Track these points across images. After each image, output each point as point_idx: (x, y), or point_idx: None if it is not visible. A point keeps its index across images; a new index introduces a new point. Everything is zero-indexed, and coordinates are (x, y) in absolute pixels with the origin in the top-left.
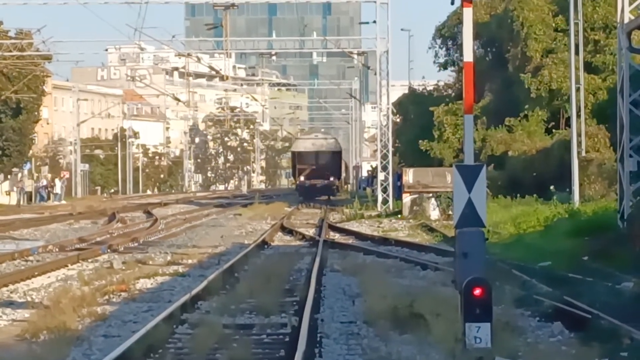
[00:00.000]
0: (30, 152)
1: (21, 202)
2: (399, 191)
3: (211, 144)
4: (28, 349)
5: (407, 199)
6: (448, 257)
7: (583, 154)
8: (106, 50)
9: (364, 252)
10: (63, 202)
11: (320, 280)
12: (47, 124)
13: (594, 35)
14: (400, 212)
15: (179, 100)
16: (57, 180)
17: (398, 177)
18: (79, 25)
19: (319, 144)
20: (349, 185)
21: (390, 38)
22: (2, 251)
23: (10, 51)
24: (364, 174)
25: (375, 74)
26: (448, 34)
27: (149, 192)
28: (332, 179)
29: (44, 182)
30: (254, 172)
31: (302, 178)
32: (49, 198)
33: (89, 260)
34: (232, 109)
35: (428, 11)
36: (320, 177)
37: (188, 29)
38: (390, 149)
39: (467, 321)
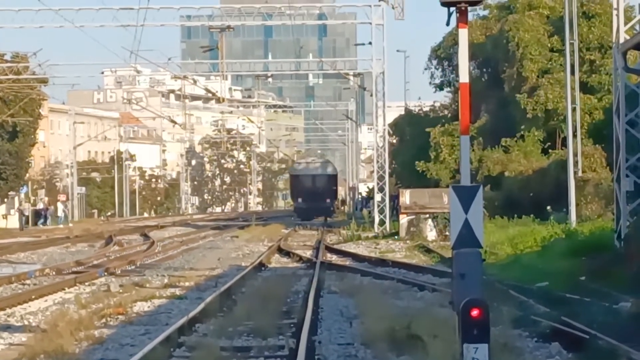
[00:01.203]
0: (27, 175)
1: (22, 226)
2: (393, 212)
3: (208, 166)
4: None
5: (404, 220)
6: (445, 278)
7: (579, 174)
8: (102, 73)
9: (361, 274)
10: (67, 224)
11: (317, 301)
12: (44, 147)
13: (590, 56)
14: (397, 233)
15: (175, 122)
16: (59, 204)
17: (395, 198)
18: (75, 48)
19: (315, 167)
20: (346, 207)
21: (386, 59)
22: None
23: (6, 74)
24: (361, 195)
25: (372, 95)
26: (444, 55)
27: (145, 214)
28: (328, 200)
29: (41, 205)
30: (250, 194)
31: (300, 200)
32: (45, 222)
33: (86, 284)
34: (229, 131)
35: (424, 32)
36: (317, 199)
37: (184, 51)
38: (387, 170)
39: (465, 342)
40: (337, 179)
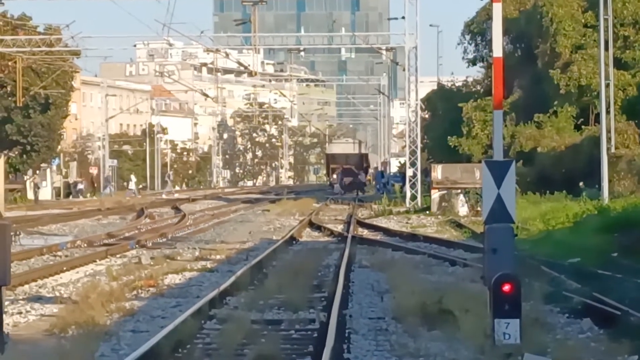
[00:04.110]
0: (59, 147)
1: (37, 198)
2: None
3: (239, 139)
4: (57, 344)
5: (435, 195)
6: (477, 253)
7: (612, 150)
8: (135, 46)
9: (393, 248)
10: (138, 196)
11: (348, 276)
12: (76, 119)
13: (624, 31)
14: (428, 208)
15: (207, 96)
16: (132, 176)
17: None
18: (107, 21)
19: (349, 147)
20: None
21: (418, 34)
22: (31, 246)
23: (39, 47)
24: (393, 169)
25: (404, 69)
26: (477, 29)
27: (177, 187)
28: (359, 177)
29: (79, 179)
30: (282, 168)
31: (334, 176)
32: (78, 195)
33: (118, 256)
34: (261, 104)
35: (457, 7)
36: (350, 175)
37: (216, 24)
38: (419, 145)
39: (496, 317)
40: (368, 157)
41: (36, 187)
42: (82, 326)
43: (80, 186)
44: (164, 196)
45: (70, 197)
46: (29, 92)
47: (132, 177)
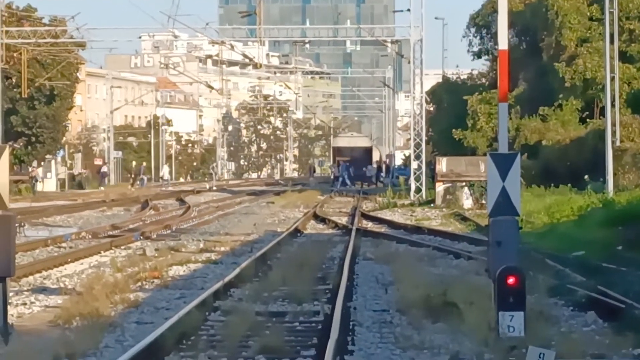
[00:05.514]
0: (64, 139)
1: (34, 191)
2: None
3: (244, 132)
4: (61, 335)
5: (440, 187)
6: (481, 246)
7: (617, 143)
8: (140, 37)
9: (397, 241)
10: (169, 187)
11: (353, 268)
12: (81, 111)
13: (629, 25)
14: (433, 201)
15: (212, 88)
16: (165, 167)
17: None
18: (112, 12)
19: (354, 141)
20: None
21: (424, 26)
22: (36, 238)
23: (44, 38)
24: (398, 162)
25: (409, 62)
26: (482, 22)
27: (181, 179)
28: (364, 169)
29: (105, 169)
30: (286, 160)
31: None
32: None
33: (122, 247)
34: (266, 97)
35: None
36: (355, 168)
37: (222, 16)
38: (424, 137)
39: (501, 310)
40: (373, 151)
41: (34, 180)
42: (87, 317)
43: (105, 169)
44: (214, 188)
45: (100, 183)
46: (34, 83)
47: (166, 167)
